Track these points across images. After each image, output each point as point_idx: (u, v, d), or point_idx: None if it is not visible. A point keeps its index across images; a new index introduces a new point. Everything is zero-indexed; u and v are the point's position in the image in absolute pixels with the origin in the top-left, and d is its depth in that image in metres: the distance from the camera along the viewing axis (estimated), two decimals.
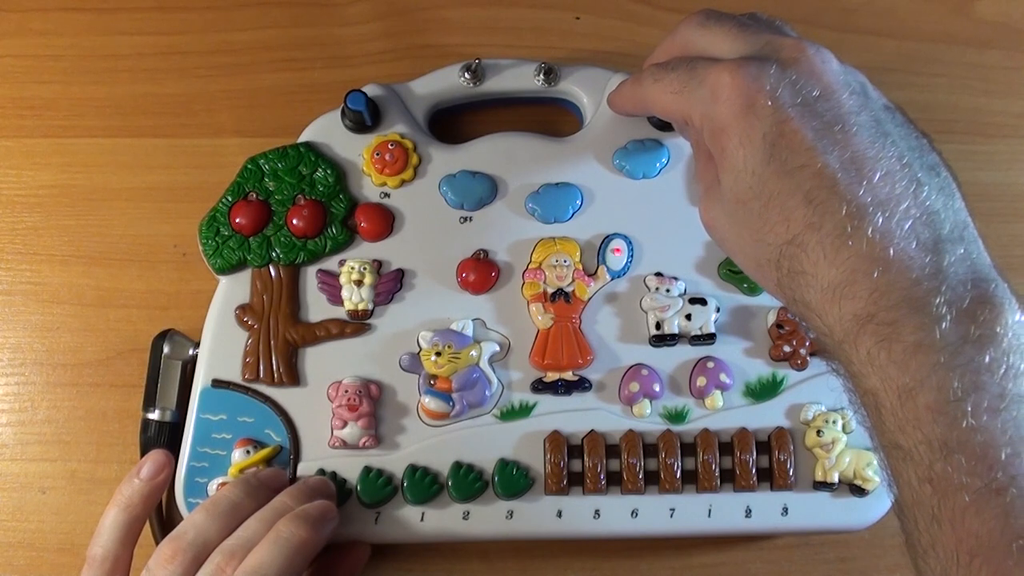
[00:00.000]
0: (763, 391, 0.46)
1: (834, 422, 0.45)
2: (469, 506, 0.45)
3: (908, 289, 0.32)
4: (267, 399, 0.45)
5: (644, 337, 0.46)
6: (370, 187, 0.47)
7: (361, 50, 0.53)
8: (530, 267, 0.47)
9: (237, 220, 0.46)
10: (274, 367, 0.45)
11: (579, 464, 0.45)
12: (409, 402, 0.46)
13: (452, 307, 0.46)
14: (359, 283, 0.46)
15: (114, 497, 0.43)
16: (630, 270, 0.47)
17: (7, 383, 0.50)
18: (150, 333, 0.48)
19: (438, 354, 0.45)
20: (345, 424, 0.45)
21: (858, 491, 0.45)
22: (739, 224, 0.37)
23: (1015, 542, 0.29)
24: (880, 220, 0.33)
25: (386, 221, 0.47)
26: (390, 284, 0.46)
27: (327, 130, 0.48)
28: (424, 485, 0.44)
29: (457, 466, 0.45)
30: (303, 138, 0.48)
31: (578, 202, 0.47)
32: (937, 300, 0.31)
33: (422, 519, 0.45)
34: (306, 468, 0.45)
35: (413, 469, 0.45)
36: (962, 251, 0.33)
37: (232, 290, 0.46)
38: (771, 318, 0.46)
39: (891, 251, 0.32)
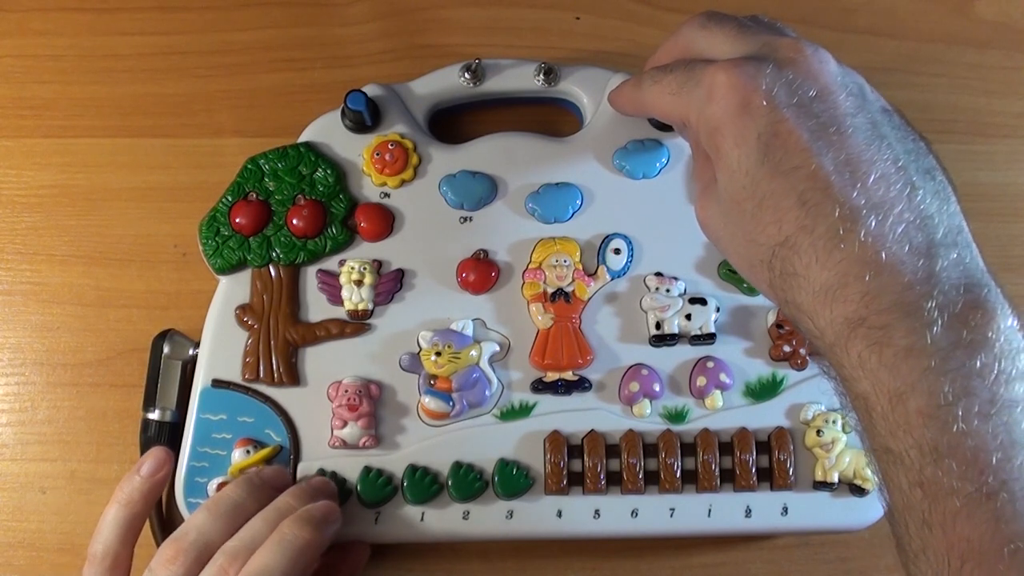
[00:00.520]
0: (763, 391, 0.46)
1: (834, 422, 0.45)
2: (469, 506, 0.45)
3: (900, 293, 0.32)
4: (267, 399, 0.45)
5: (644, 337, 0.46)
6: (370, 187, 0.47)
7: (361, 50, 0.53)
8: (530, 267, 0.47)
9: (237, 220, 0.46)
10: (274, 367, 0.45)
11: (579, 464, 0.45)
12: (409, 402, 0.46)
13: (452, 307, 0.46)
14: (359, 283, 0.46)
15: (114, 494, 0.43)
16: (630, 270, 0.47)
17: (7, 383, 0.50)
18: (150, 333, 0.48)
19: (438, 354, 0.45)
20: (345, 424, 0.45)
21: (858, 491, 0.45)
22: (733, 224, 0.37)
23: (1006, 546, 0.29)
24: (873, 223, 0.33)
25: (386, 221, 0.47)
26: (390, 284, 0.46)
27: (327, 130, 0.48)
28: (424, 485, 0.44)
29: (457, 466, 0.45)
30: (303, 138, 0.48)
31: (578, 202, 0.47)
32: (929, 304, 0.31)
33: (422, 519, 0.45)
34: (306, 468, 0.45)
35: (413, 469, 0.45)
36: (955, 255, 0.33)
37: (232, 290, 0.46)
38: (771, 318, 0.46)
39: (883, 255, 0.32)
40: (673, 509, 0.45)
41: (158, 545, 0.46)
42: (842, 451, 0.45)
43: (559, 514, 0.45)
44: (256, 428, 0.45)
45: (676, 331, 0.46)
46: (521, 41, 0.54)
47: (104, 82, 0.53)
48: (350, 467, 0.45)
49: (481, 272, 0.46)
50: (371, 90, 0.48)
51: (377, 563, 0.48)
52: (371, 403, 0.45)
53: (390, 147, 0.47)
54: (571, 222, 0.47)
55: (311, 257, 0.47)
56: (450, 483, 0.45)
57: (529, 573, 0.50)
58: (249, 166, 0.47)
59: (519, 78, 0.49)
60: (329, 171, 0.47)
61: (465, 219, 0.47)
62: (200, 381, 0.45)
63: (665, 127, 0.48)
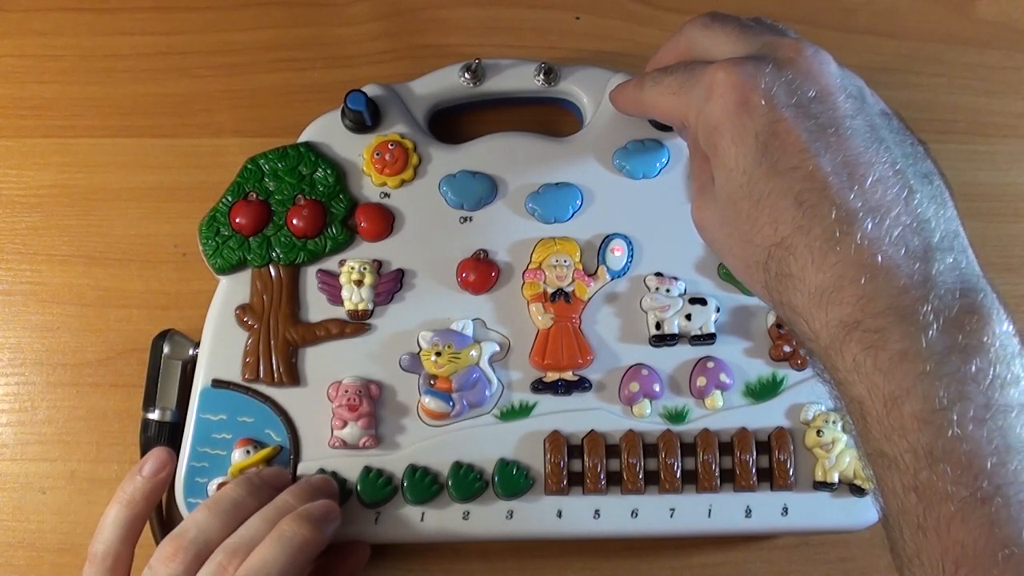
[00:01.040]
0: (763, 391, 0.46)
1: (834, 422, 0.45)
2: (469, 506, 0.45)
3: (895, 297, 0.32)
4: (267, 399, 0.45)
5: (644, 337, 0.46)
6: (370, 187, 0.47)
7: (361, 50, 0.53)
8: (530, 267, 0.47)
9: (237, 220, 0.46)
10: (274, 367, 0.45)
11: (579, 464, 0.45)
12: (409, 402, 0.46)
13: (452, 307, 0.46)
14: (359, 283, 0.46)
15: (116, 494, 0.43)
16: (630, 270, 0.47)
17: (7, 383, 0.50)
18: (150, 333, 0.48)
19: (438, 354, 0.45)
20: (345, 424, 0.45)
21: (858, 491, 0.45)
22: (729, 224, 0.36)
23: (1000, 551, 0.29)
24: (870, 226, 0.33)
25: (386, 221, 0.47)
26: (390, 284, 0.46)
27: (327, 130, 0.48)
28: (424, 485, 0.44)
29: (457, 466, 0.45)
30: (303, 138, 0.48)
31: (578, 202, 0.47)
32: (924, 308, 0.31)
33: (422, 519, 0.45)
34: (306, 468, 0.45)
35: (413, 469, 0.45)
36: (951, 260, 0.33)
37: (232, 290, 0.46)
38: (771, 318, 0.46)
39: (879, 258, 0.32)
40: (673, 509, 0.45)
41: (158, 545, 0.46)
42: (842, 451, 0.45)
43: (559, 514, 0.45)
44: (256, 428, 0.45)
45: (676, 331, 0.46)
46: (521, 41, 0.54)
47: (104, 82, 0.53)
48: (350, 467, 0.45)
49: (481, 272, 0.46)
50: (371, 90, 0.48)
51: (377, 563, 0.48)
52: (371, 403, 0.45)
53: (390, 147, 0.47)
54: (571, 222, 0.47)
55: (311, 257, 0.47)
56: (450, 483, 0.45)
57: (529, 573, 0.50)
58: (249, 166, 0.47)
59: (519, 78, 0.49)
60: (329, 171, 0.47)
61: (465, 219, 0.47)
62: (200, 381, 0.45)
63: (665, 127, 0.48)
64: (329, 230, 0.47)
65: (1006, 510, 0.29)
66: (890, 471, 0.32)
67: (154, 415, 0.47)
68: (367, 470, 0.45)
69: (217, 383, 0.45)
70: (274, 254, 0.46)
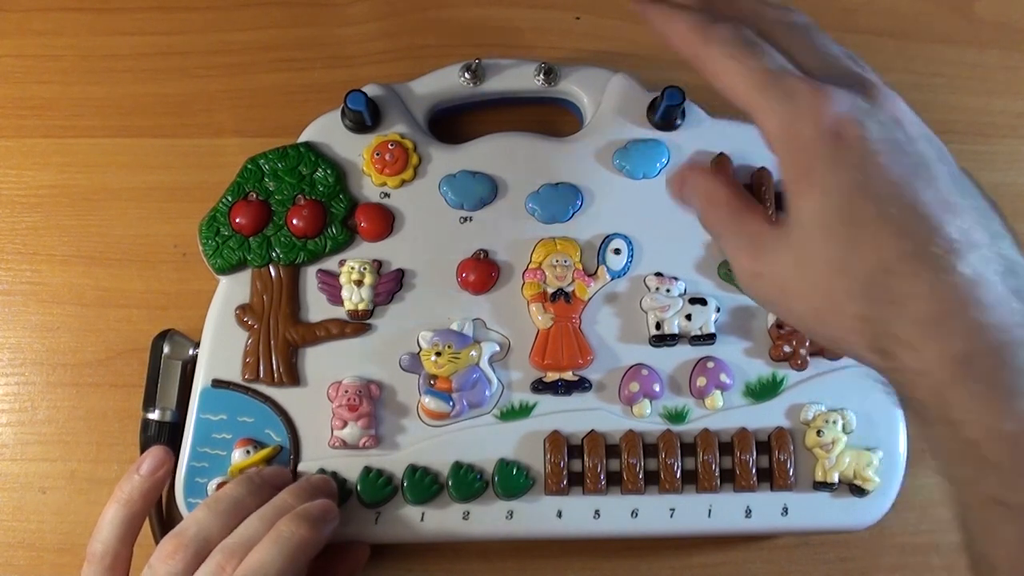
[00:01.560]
0: (763, 391, 0.46)
1: (834, 422, 0.45)
2: (469, 506, 0.45)
3: (1009, 331, 0.31)
4: (267, 399, 0.45)
5: (644, 337, 0.46)
6: (370, 187, 0.47)
7: (361, 50, 0.53)
8: (530, 267, 0.47)
9: (237, 220, 0.46)
10: (274, 367, 0.45)
11: (579, 464, 0.45)
12: (409, 402, 0.46)
13: (452, 307, 0.46)
14: (359, 283, 0.46)
15: (114, 493, 0.43)
16: (630, 270, 0.47)
17: (7, 383, 0.50)
18: (150, 333, 0.48)
19: (438, 354, 0.45)
20: (345, 424, 0.45)
21: (858, 491, 0.45)
22: (813, 255, 0.35)
23: None
24: (974, 258, 0.32)
25: (386, 221, 0.47)
26: (390, 284, 0.46)
27: (327, 130, 0.48)
28: (424, 485, 0.44)
29: (457, 466, 0.45)
30: (303, 138, 0.48)
31: (578, 202, 0.47)
32: None
33: (422, 519, 0.45)
34: (306, 468, 0.45)
35: (413, 469, 0.45)
36: None
37: (232, 290, 0.46)
38: (771, 318, 0.46)
39: (986, 290, 0.32)
40: (673, 509, 0.45)
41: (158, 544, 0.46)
42: (842, 451, 0.45)
43: (559, 514, 0.45)
44: (256, 428, 0.45)
45: (676, 331, 0.46)
46: (521, 41, 0.54)
47: (104, 82, 0.53)
48: (350, 467, 0.45)
49: (481, 272, 0.46)
50: (371, 90, 0.48)
51: (377, 563, 0.48)
52: (371, 403, 0.45)
53: (390, 147, 0.47)
54: (571, 222, 0.47)
55: (311, 257, 0.47)
56: (450, 483, 0.45)
57: (529, 573, 0.50)
58: (249, 166, 0.47)
59: (519, 78, 0.49)
60: (329, 171, 0.47)
61: (465, 219, 0.47)
62: (200, 381, 0.45)
63: (665, 127, 0.48)
64: (329, 230, 0.47)
65: None
66: (1008, 522, 0.30)
67: (154, 415, 0.47)
68: (367, 470, 0.45)
69: (217, 383, 0.45)
70: (274, 254, 0.46)
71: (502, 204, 0.47)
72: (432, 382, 0.45)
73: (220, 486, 0.43)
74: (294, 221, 0.46)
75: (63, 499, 0.49)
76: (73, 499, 0.49)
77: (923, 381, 0.32)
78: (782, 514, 0.45)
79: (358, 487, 0.45)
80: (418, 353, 0.46)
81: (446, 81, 0.49)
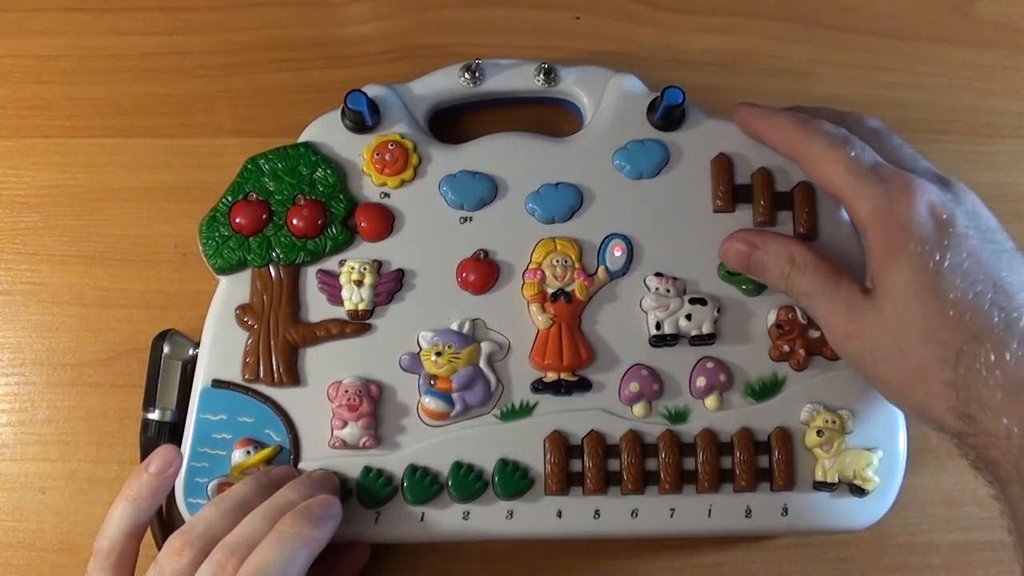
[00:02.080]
0: (763, 391, 0.46)
1: (834, 422, 0.45)
2: (469, 506, 0.45)
3: None
4: (267, 399, 0.45)
5: (644, 337, 0.46)
6: (370, 187, 0.47)
7: (361, 50, 0.53)
8: (530, 267, 0.47)
9: (237, 220, 0.46)
10: (274, 367, 0.45)
11: (579, 464, 0.45)
12: (409, 402, 0.46)
13: (452, 307, 0.46)
14: (359, 283, 0.46)
15: (122, 491, 0.43)
16: (630, 270, 0.47)
17: (7, 383, 0.50)
18: (150, 333, 0.48)
19: (438, 354, 0.45)
20: (345, 424, 0.45)
21: (858, 491, 0.45)
22: (905, 322, 0.38)
23: None
24: None
25: (386, 221, 0.47)
26: (390, 284, 0.46)
27: (327, 130, 0.48)
28: (424, 485, 0.44)
29: (457, 466, 0.45)
30: (303, 138, 0.48)
31: (578, 202, 0.47)
32: None
33: (422, 519, 0.45)
34: (306, 468, 0.45)
35: (413, 469, 0.45)
36: None
37: (232, 290, 0.46)
38: (771, 318, 0.46)
39: None
40: (673, 509, 0.45)
41: (158, 545, 0.46)
42: (842, 451, 0.45)
43: (559, 514, 0.45)
44: (256, 428, 0.45)
45: (676, 331, 0.46)
46: (521, 41, 0.54)
47: (104, 82, 0.53)
48: (350, 467, 0.45)
49: (481, 272, 0.46)
50: (371, 90, 0.48)
51: (377, 563, 0.48)
52: (371, 403, 0.45)
53: (390, 147, 0.47)
54: (571, 222, 0.47)
55: (311, 257, 0.47)
56: (450, 483, 0.45)
57: (529, 573, 0.50)
58: (249, 166, 0.47)
59: (519, 78, 0.49)
60: (329, 171, 0.47)
61: (465, 219, 0.47)
62: (200, 381, 0.45)
63: (666, 127, 0.48)
64: (329, 230, 0.47)
65: None
66: None
67: (154, 415, 0.47)
68: (367, 470, 0.45)
69: (217, 383, 0.45)
70: (274, 254, 0.46)
71: (502, 204, 0.47)
72: (432, 382, 0.45)
73: (220, 486, 0.44)
74: (294, 221, 0.46)
75: (63, 499, 0.49)
76: (73, 499, 0.49)
77: (1004, 444, 0.35)
78: (782, 514, 0.45)
79: (358, 487, 0.45)
80: (418, 353, 0.46)
81: (446, 81, 0.49)
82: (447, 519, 0.45)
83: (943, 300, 0.38)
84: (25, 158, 0.52)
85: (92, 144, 0.52)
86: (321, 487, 0.43)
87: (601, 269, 0.47)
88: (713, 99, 0.49)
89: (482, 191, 0.47)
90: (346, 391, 0.45)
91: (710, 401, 0.46)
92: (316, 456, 0.45)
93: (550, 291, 0.46)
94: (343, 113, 0.48)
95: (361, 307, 0.46)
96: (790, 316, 0.46)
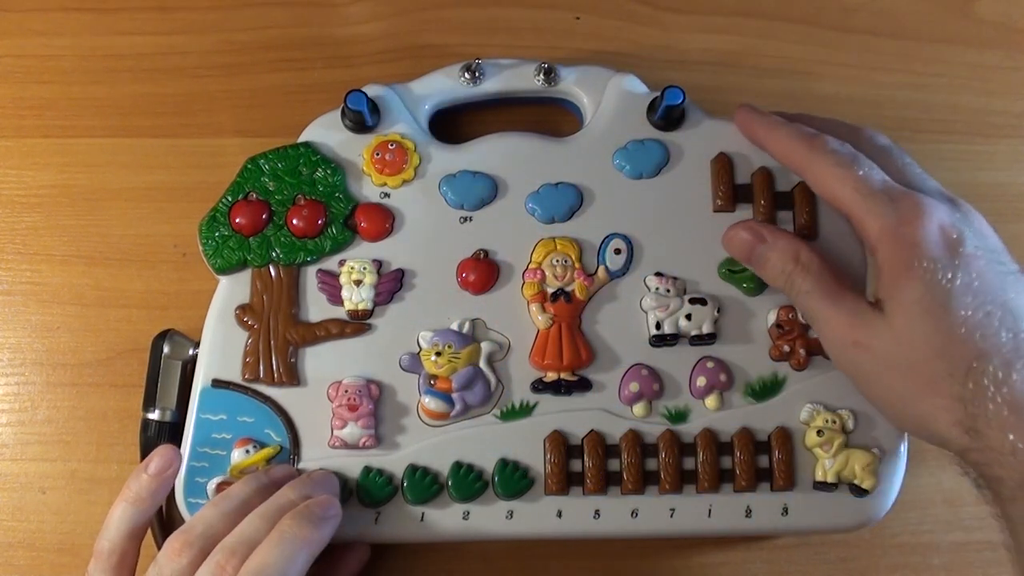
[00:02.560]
0: (763, 391, 0.46)
1: (834, 422, 0.45)
2: (469, 506, 0.45)
3: None
4: (267, 399, 0.45)
5: (644, 337, 0.46)
6: (370, 187, 0.47)
7: (361, 50, 0.53)
8: (530, 267, 0.47)
9: (237, 220, 0.46)
10: (274, 367, 0.45)
11: (579, 464, 0.45)
12: (409, 402, 0.46)
13: (452, 307, 0.46)
14: (359, 283, 0.46)
15: (122, 492, 0.43)
16: (630, 270, 0.47)
17: (7, 383, 0.50)
18: (150, 333, 0.48)
19: (438, 354, 0.45)
20: (345, 424, 0.45)
21: (858, 491, 0.45)
22: (914, 337, 0.39)
23: None
24: None
25: (386, 221, 0.47)
26: (390, 284, 0.46)
27: (327, 130, 0.48)
28: (424, 485, 0.44)
29: (457, 466, 0.45)
30: (303, 138, 0.48)
31: (578, 202, 0.47)
32: None
33: (422, 519, 0.45)
34: (306, 468, 0.45)
35: (413, 469, 0.45)
36: None
37: (232, 290, 0.46)
38: (771, 318, 0.46)
39: None
40: (673, 509, 0.45)
41: (158, 545, 0.46)
42: (842, 451, 0.45)
43: (559, 514, 0.45)
44: (256, 428, 0.45)
45: (676, 331, 0.46)
46: (521, 41, 0.54)
47: (104, 82, 0.53)
48: (350, 467, 0.45)
49: (481, 272, 0.46)
50: (371, 90, 0.48)
51: (377, 563, 0.48)
52: (371, 403, 0.45)
53: (390, 147, 0.47)
54: (571, 222, 0.47)
55: (311, 257, 0.47)
56: (450, 483, 0.45)
57: (529, 573, 0.50)
58: (249, 166, 0.47)
59: (519, 78, 0.49)
60: (329, 171, 0.47)
61: (465, 219, 0.47)
62: (200, 381, 0.45)
63: (666, 127, 0.48)
64: (329, 230, 0.47)
65: None
66: None
67: (154, 415, 0.47)
68: (367, 470, 0.45)
69: (217, 383, 0.45)
70: (274, 254, 0.46)
71: (502, 204, 0.47)
72: (432, 382, 0.45)
73: (220, 486, 0.44)
74: (294, 221, 0.46)
75: (63, 499, 0.49)
76: (73, 499, 0.49)
77: (1009, 460, 0.36)
78: (782, 514, 0.45)
79: (358, 487, 0.45)
80: (418, 353, 0.46)
81: (446, 81, 0.49)
82: (447, 519, 0.45)
83: (954, 317, 0.38)
84: (25, 158, 0.52)
85: (92, 144, 0.52)
86: (321, 487, 0.43)
87: (601, 269, 0.47)
88: (713, 99, 0.49)
89: (482, 191, 0.47)
90: (346, 391, 0.45)
91: (710, 401, 0.46)
92: (316, 456, 0.45)
93: (550, 291, 0.46)
94: (343, 113, 0.48)
95: (361, 307, 0.46)
96: (790, 316, 0.46)
